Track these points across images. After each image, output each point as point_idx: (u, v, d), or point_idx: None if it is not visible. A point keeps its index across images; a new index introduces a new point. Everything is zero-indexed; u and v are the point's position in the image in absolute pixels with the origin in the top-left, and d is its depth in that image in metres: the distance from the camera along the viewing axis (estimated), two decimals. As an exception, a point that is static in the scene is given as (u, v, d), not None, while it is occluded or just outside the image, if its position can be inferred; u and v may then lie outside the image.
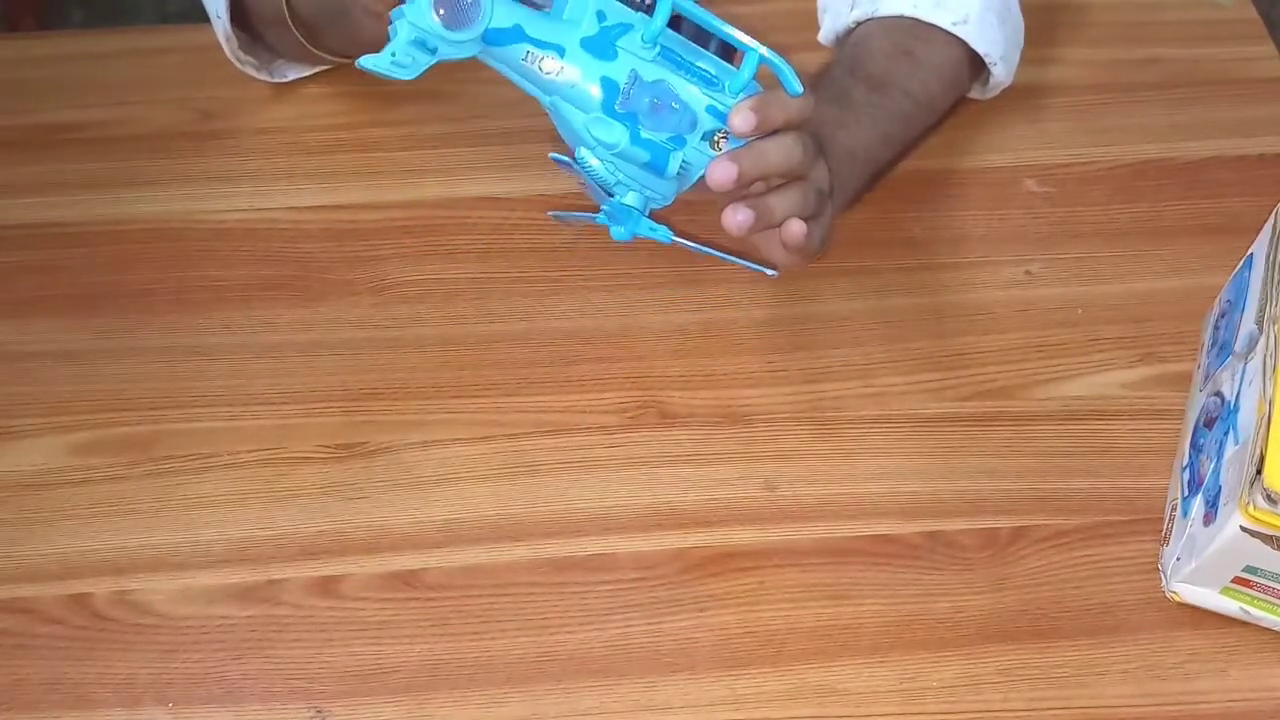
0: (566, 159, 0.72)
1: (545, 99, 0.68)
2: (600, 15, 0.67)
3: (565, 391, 0.81)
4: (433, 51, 0.65)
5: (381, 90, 0.95)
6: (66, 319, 0.84)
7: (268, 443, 0.79)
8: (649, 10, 0.67)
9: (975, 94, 0.95)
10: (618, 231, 0.72)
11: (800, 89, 0.69)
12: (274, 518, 0.76)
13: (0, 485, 0.77)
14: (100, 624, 0.72)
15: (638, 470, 0.77)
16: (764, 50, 0.68)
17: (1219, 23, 1.02)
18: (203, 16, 0.93)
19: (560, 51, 0.67)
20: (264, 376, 0.81)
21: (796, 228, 0.71)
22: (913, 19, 0.87)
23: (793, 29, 0.98)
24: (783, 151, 0.69)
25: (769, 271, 0.76)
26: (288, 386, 0.81)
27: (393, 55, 0.64)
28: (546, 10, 0.67)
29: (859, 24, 0.90)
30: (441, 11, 0.63)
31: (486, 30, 0.65)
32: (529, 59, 0.66)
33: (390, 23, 0.65)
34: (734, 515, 0.76)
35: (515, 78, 0.68)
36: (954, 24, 0.87)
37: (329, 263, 0.87)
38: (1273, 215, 0.74)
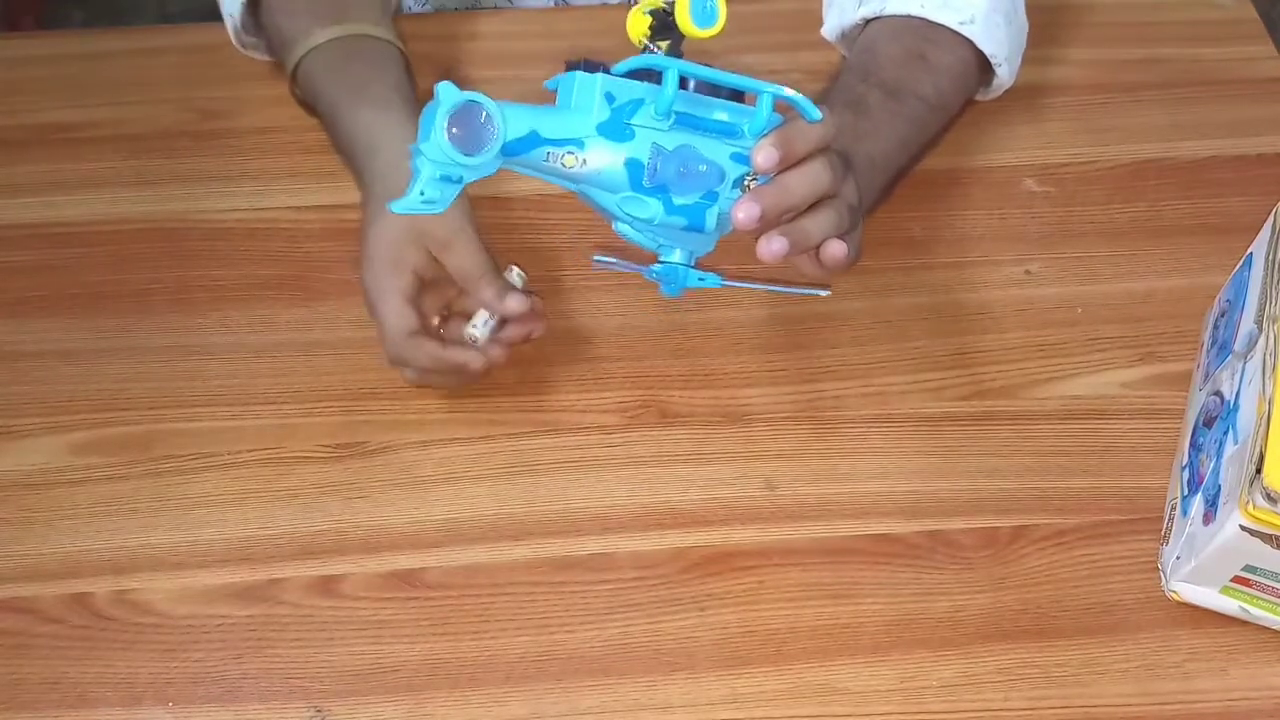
0: (608, 260, 0.73)
1: (575, 187, 0.68)
2: (609, 97, 0.66)
3: (565, 391, 0.81)
4: (458, 181, 0.65)
5: (381, 90, 0.95)
6: (66, 319, 0.84)
7: (267, 442, 0.79)
8: (656, 79, 0.67)
9: (978, 96, 0.95)
10: (669, 289, 0.73)
11: (819, 115, 0.68)
12: (274, 517, 0.76)
13: (0, 485, 0.77)
14: (100, 623, 0.72)
15: (637, 470, 0.77)
16: (775, 89, 0.68)
17: (1219, 23, 1.03)
18: (203, 16, 0.93)
19: (579, 145, 0.66)
20: (264, 376, 0.82)
21: (837, 249, 0.70)
22: (920, 19, 0.87)
23: (793, 29, 0.99)
24: (809, 180, 0.69)
25: (822, 293, 0.76)
26: (287, 386, 0.81)
27: (421, 194, 0.64)
28: (555, 105, 0.67)
29: (866, 21, 0.90)
30: (454, 130, 0.63)
31: (504, 144, 0.64)
32: (550, 159, 0.66)
33: (411, 158, 0.65)
34: (734, 515, 0.76)
35: (542, 176, 0.68)
36: (961, 24, 0.87)
37: (329, 262, 0.87)
38: (1272, 215, 0.74)
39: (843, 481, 0.77)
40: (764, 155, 0.66)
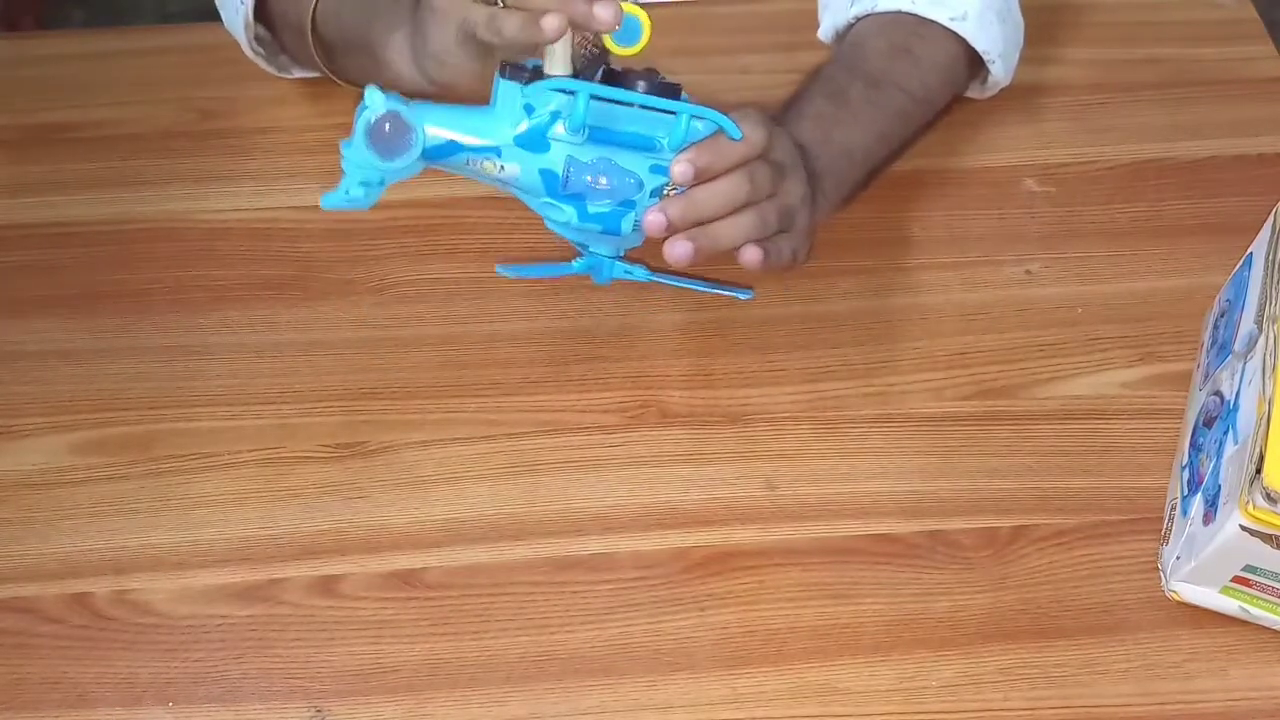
0: (513, 268, 0.80)
1: (499, 187, 0.72)
2: (528, 109, 0.70)
3: (565, 391, 0.81)
4: (380, 182, 0.70)
5: (381, 90, 0.95)
6: (66, 319, 0.84)
7: (268, 443, 0.79)
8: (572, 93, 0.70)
9: (974, 93, 0.95)
10: (597, 278, 0.77)
11: (739, 134, 0.71)
12: (274, 517, 0.76)
13: (0, 485, 0.77)
14: (100, 623, 0.72)
15: (638, 470, 0.77)
16: (691, 109, 0.70)
17: (1219, 23, 1.03)
18: (203, 16, 0.93)
19: (497, 153, 0.70)
20: (264, 376, 0.82)
21: (750, 255, 0.73)
22: (912, 15, 0.87)
23: (793, 29, 0.99)
24: (721, 194, 0.71)
25: (742, 295, 0.80)
26: (288, 386, 0.81)
27: (347, 192, 0.69)
28: (484, 106, 0.71)
29: (858, 19, 0.90)
30: (387, 128, 0.68)
31: (425, 149, 0.69)
32: (471, 164, 0.70)
33: (342, 155, 0.69)
34: (734, 515, 0.76)
35: (465, 174, 0.71)
36: (952, 19, 0.87)
37: (329, 263, 0.87)
38: (1272, 215, 0.74)
39: (843, 481, 0.77)
40: (680, 170, 0.70)
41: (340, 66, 0.88)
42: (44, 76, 0.98)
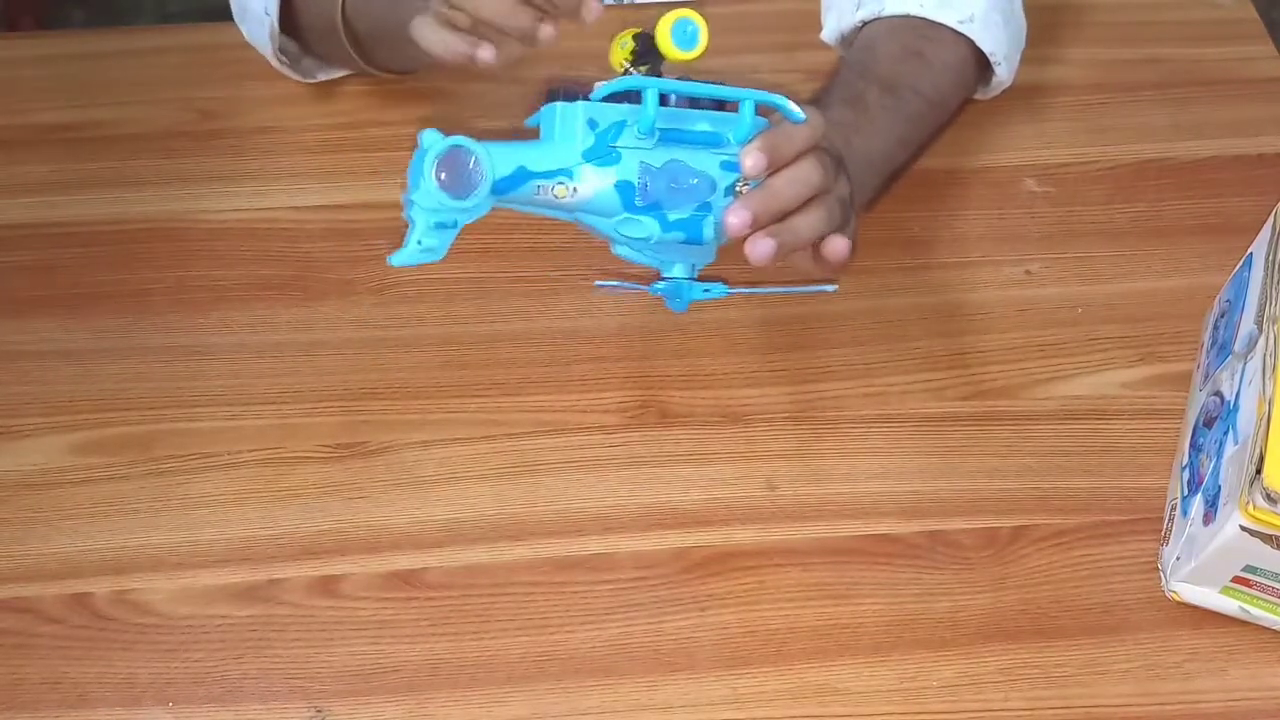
0: (610, 283, 0.76)
1: (570, 217, 0.69)
2: (591, 124, 0.67)
3: (565, 391, 0.81)
4: (454, 225, 0.66)
5: (381, 90, 0.96)
6: (66, 319, 0.84)
7: (268, 443, 0.79)
8: (636, 99, 0.67)
9: (976, 94, 0.95)
10: (675, 304, 0.74)
11: (802, 116, 0.69)
12: (274, 517, 0.76)
13: (0, 485, 0.77)
14: (100, 624, 0.72)
15: (638, 470, 0.77)
16: (756, 94, 0.68)
17: (1219, 23, 1.03)
18: (202, 16, 0.93)
19: (568, 175, 0.67)
20: (264, 376, 0.82)
21: (839, 244, 0.70)
22: (919, 18, 0.88)
23: (793, 29, 0.99)
24: (798, 181, 0.69)
25: (829, 288, 0.76)
26: (288, 386, 0.81)
27: (419, 243, 0.66)
28: (538, 140, 0.68)
29: (865, 24, 0.90)
30: (443, 176, 0.64)
31: (495, 182, 0.65)
32: (541, 192, 0.67)
33: (404, 208, 0.66)
34: (734, 515, 0.76)
35: (535, 210, 0.68)
36: (960, 22, 0.87)
37: (329, 263, 0.87)
38: (1272, 215, 0.74)
39: (843, 481, 0.77)
40: (751, 160, 0.67)
41: (374, 58, 0.89)
42: (44, 76, 0.98)
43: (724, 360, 0.82)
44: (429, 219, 0.65)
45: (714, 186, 0.69)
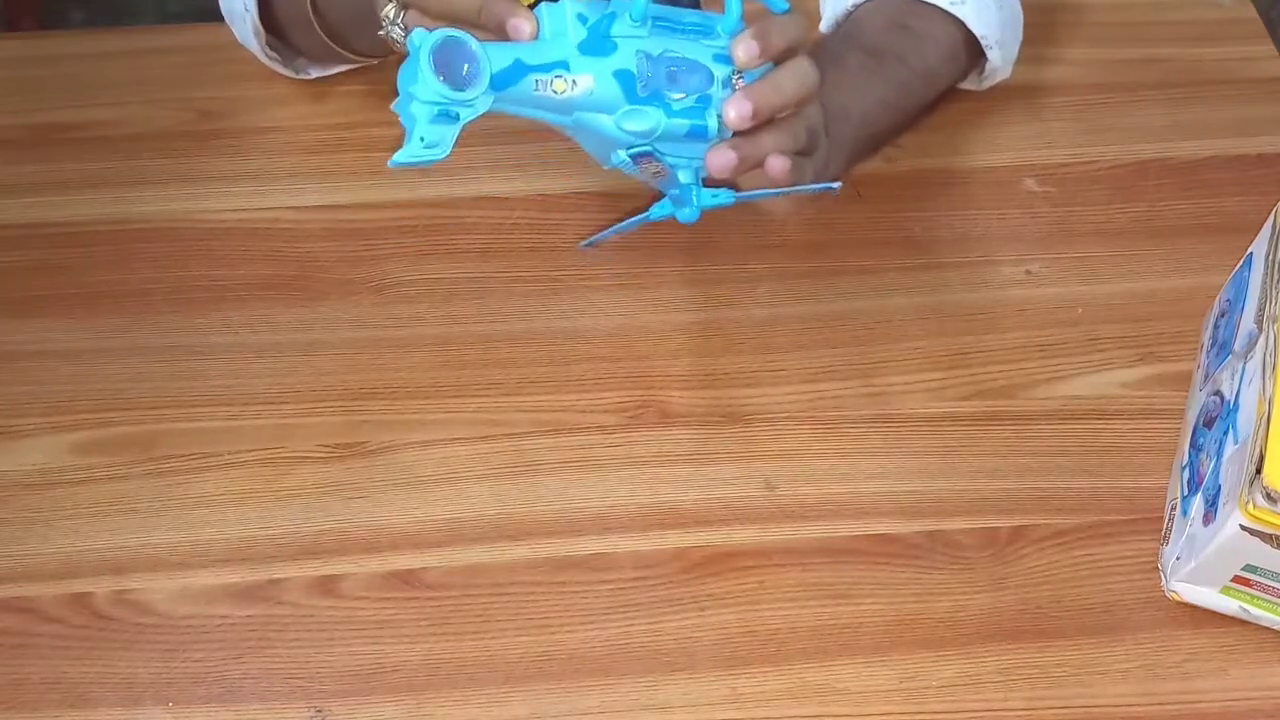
0: (596, 236, 0.75)
1: (569, 120, 0.67)
2: (581, 18, 0.66)
3: (565, 391, 0.81)
4: (455, 119, 0.63)
5: (381, 90, 0.95)
6: (66, 319, 0.84)
7: (268, 442, 0.79)
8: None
9: (971, 84, 0.94)
10: (685, 213, 0.71)
11: (786, 5, 0.68)
12: (274, 517, 0.76)
13: (0, 485, 0.77)
14: (100, 623, 0.72)
15: (638, 470, 0.77)
16: None
17: (1219, 23, 1.03)
18: (202, 16, 0.93)
19: (565, 66, 0.65)
20: (264, 376, 0.82)
21: (778, 163, 0.68)
22: (911, 0, 0.88)
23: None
24: (798, 75, 0.68)
25: (833, 187, 0.73)
26: (288, 386, 0.81)
27: (422, 139, 0.62)
28: (529, 42, 0.66)
29: (857, 6, 0.90)
30: (443, 79, 0.62)
31: (492, 77, 0.63)
32: (540, 87, 0.65)
33: (401, 111, 0.64)
34: (734, 515, 0.76)
35: (534, 113, 0.67)
36: (951, 4, 0.87)
37: (329, 262, 0.87)
38: (1272, 214, 0.74)
39: (843, 481, 0.77)
40: (744, 48, 0.66)
41: (356, 45, 0.89)
42: (44, 76, 0.98)
43: (724, 360, 0.82)
44: (429, 112, 0.62)
45: (711, 77, 0.68)
